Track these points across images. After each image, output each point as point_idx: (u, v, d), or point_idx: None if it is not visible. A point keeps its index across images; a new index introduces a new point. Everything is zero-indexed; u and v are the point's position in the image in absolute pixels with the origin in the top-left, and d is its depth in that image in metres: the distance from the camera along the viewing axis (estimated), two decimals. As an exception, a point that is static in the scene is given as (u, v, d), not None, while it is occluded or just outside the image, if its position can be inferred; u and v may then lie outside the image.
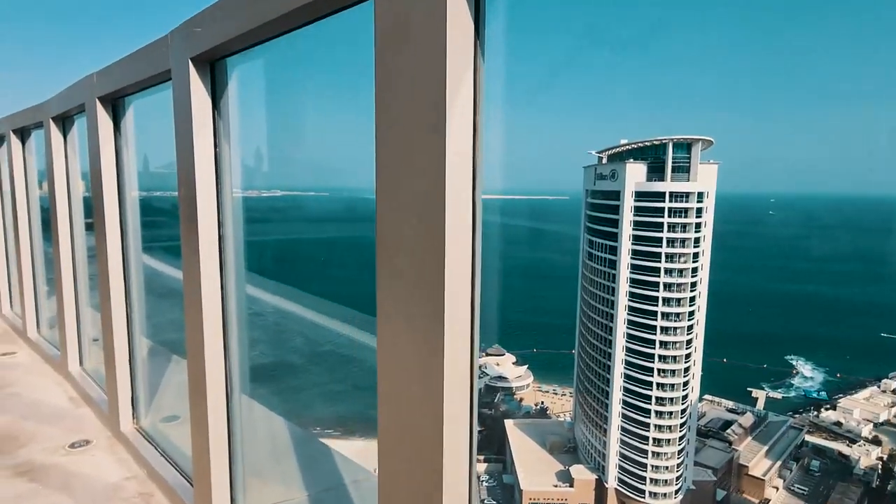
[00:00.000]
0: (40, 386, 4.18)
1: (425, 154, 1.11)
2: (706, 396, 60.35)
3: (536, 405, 66.54)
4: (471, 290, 1.18)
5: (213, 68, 2.11)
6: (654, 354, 50.46)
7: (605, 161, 55.65)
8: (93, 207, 3.41)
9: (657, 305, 50.50)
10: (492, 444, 59.80)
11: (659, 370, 50.55)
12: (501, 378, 67.55)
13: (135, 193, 3.31)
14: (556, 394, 69.57)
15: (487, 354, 68.74)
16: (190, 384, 2.39)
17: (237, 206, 2.24)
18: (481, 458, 55.92)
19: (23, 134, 5.23)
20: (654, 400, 50.44)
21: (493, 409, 63.17)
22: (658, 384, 50.50)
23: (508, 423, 59.91)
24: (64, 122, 4.24)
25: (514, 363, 70.30)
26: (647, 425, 50.36)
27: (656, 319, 50.40)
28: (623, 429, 51.57)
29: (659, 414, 50.32)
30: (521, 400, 67.75)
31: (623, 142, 55.12)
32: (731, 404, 60.25)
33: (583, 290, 58.75)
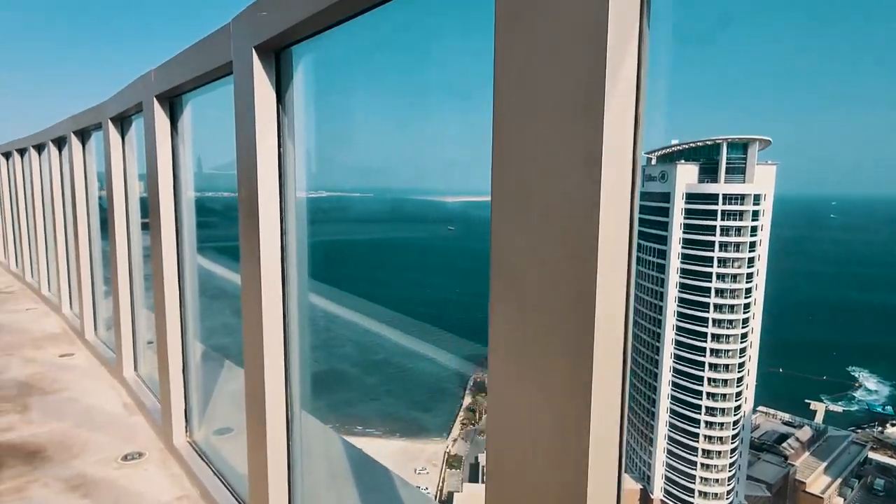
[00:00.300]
0: (95, 390, 4.12)
1: (572, 150, 0.85)
2: (760, 408, 57.96)
3: (580, 410, 65.38)
4: (624, 327, 0.88)
5: (279, 58, 1.89)
6: (704, 362, 49.18)
7: (654, 162, 54.63)
8: (149, 208, 3.29)
9: (709, 312, 49.19)
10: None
11: (710, 379, 49.18)
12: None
13: (191, 194, 3.17)
14: (600, 400, 68.09)
15: (529, 358, 67.93)
16: (247, 399, 2.19)
17: (301, 207, 2.01)
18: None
19: (83, 135, 5.24)
20: (704, 409, 49.10)
21: (534, 414, 62.41)
22: (709, 393, 49.15)
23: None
24: (122, 122, 4.18)
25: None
26: (697, 436, 49.06)
27: (707, 326, 49.08)
28: (670, 438, 50.39)
29: (709, 424, 48.92)
30: (564, 404, 66.64)
31: (674, 142, 53.99)
32: (787, 417, 57.65)
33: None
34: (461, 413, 54.70)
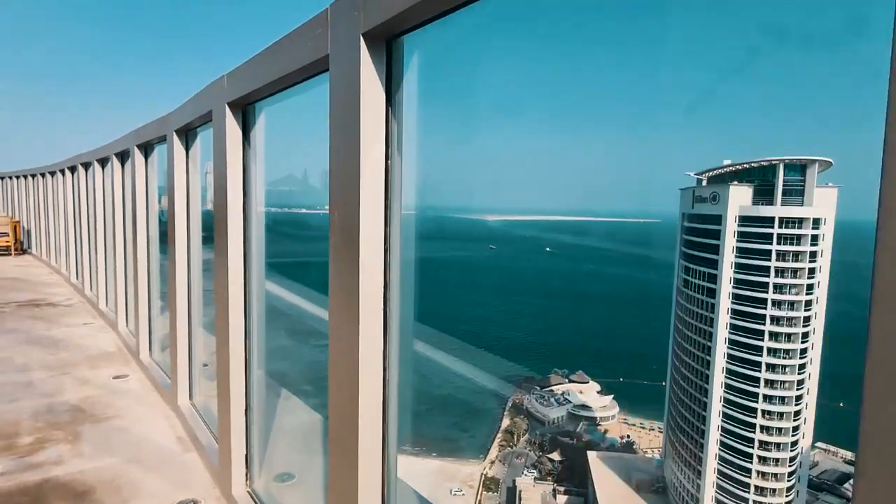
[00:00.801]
0: (148, 420, 3.85)
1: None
2: (819, 444, 55.17)
3: (622, 438, 63.29)
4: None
5: (390, 48, 1.52)
6: (758, 394, 47.55)
7: (704, 183, 53.55)
8: (214, 224, 2.99)
9: (763, 340, 47.86)
10: (573, 474, 57.41)
11: (764, 411, 47.59)
12: (584, 407, 65.08)
13: (261, 209, 2.86)
14: (643, 427, 65.90)
15: (570, 381, 66.59)
16: (331, 448, 1.79)
17: (407, 225, 1.63)
18: (561, 489, 53.82)
19: (146, 149, 5.10)
20: (757, 444, 47.42)
21: (574, 439, 60.73)
22: (762, 427, 47.60)
23: (591, 455, 57.41)
24: (187, 134, 3.96)
25: (598, 392, 67.54)
26: (749, 471, 47.35)
27: (762, 355, 47.62)
28: (720, 472, 48.67)
29: (763, 460, 47.28)
30: (606, 431, 64.82)
31: (726, 162, 52.86)
32: (849, 455, 54.77)
33: (677, 320, 56.40)
34: (499, 435, 53.93)
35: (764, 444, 47.74)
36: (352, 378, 1.63)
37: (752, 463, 47.76)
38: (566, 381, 64.45)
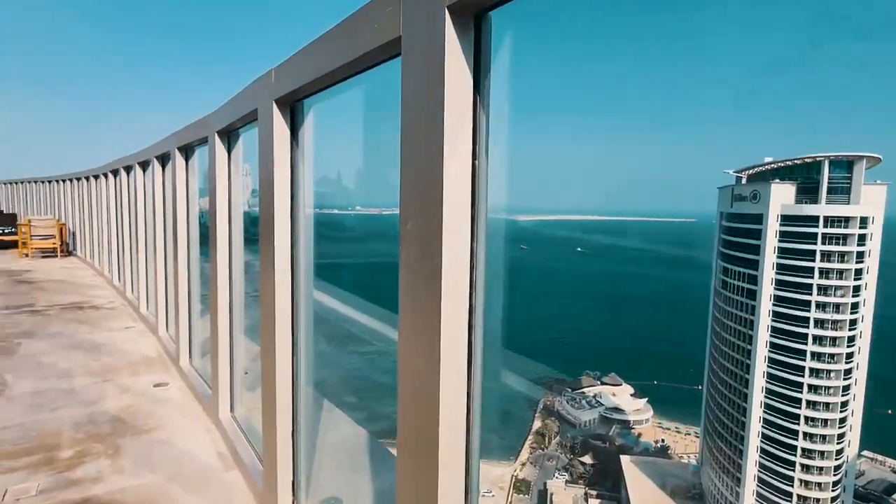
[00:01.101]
0: (189, 431, 3.70)
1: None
2: (866, 453, 53.24)
3: (657, 443, 62.01)
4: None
5: (479, 25, 1.27)
6: (800, 399, 46.02)
7: (744, 181, 52.03)
8: (259, 228, 2.80)
9: (806, 344, 46.29)
10: (606, 478, 56.52)
11: (807, 418, 46.01)
12: (617, 409, 64.01)
13: (310, 211, 2.65)
14: (678, 432, 64.46)
15: (603, 383, 65.60)
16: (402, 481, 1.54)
17: (495, 235, 1.37)
18: (593, 493, 53.10)
19: (186, 151, 4.99)
20: (800, 451, 45.89)
21: (607, 443, 59.75)
22: (805, 434, 46.07)
23: (624, 459, 56.44)
24: (229, 135, 3.79)
25: (631, 395, 66.35)
26: (791, 480, 45.92)
27: (805, 360, 46.08)
28: (761, 480, 47.35)
29: (806, 468, 45.78)
30: (640, 435, 63.65)
31: (768, 160, 51.30)
32: (898, 464, 52.70)
33: (714, 322, 55.05)
34: (530, 437, 53.56)
35: (807, 452, 46.32)
36: (431, 405, 1.39)
37: (794, 471, 46.38)
38: (598, 383, 63.44)
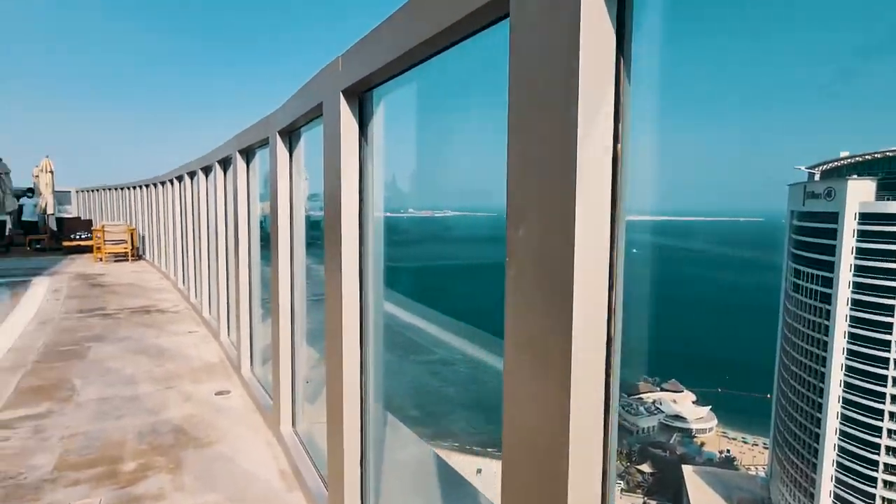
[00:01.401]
0: (250, 446, 3.53)
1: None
2: (959, 470, 48.96)
3: (721, 453, 59.27)
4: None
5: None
6: (882, 410, 42.85)
7: (817, 178, 49.01)
8: (324, 230, 2.58)
9: (889, 351, 42.97)
10: (666, 488, 54.47)
11: (890, 431, 42.80)
12: (678, 417, 61.61)
13: (379, 213, 2.40)
14: (745, 442, 61.44)
15: (662, 389, 63.34)
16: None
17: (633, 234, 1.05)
18: (652, 502, 51.33)
19: (247, 154, 4.90)
20: (881, 466, 42.79)
21: (667, 451, 57.56)
22: (889, 448, 42.81)
23: (686, 469, 54.24)
24: (290, 135, 3.62)
25: (693, 402, 63.70)
26: (873, 497, 42.76)
27: (887, 368, 42.87)
28: (837, 496, 44.48)
29: (889, 485, 42.62)
30: (703, 444, 61.03)
31: (844, 154, 48.21)
32: None
33: (785, 327, 52.17)
34: (584, 443, 52.38)
35: (890, 468, 43.14)
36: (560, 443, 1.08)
37: (875, 488, 43.53)
38: (657, 389, 61.37)
